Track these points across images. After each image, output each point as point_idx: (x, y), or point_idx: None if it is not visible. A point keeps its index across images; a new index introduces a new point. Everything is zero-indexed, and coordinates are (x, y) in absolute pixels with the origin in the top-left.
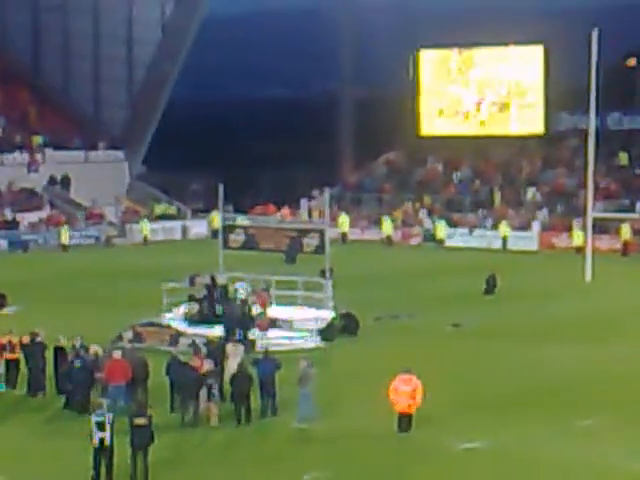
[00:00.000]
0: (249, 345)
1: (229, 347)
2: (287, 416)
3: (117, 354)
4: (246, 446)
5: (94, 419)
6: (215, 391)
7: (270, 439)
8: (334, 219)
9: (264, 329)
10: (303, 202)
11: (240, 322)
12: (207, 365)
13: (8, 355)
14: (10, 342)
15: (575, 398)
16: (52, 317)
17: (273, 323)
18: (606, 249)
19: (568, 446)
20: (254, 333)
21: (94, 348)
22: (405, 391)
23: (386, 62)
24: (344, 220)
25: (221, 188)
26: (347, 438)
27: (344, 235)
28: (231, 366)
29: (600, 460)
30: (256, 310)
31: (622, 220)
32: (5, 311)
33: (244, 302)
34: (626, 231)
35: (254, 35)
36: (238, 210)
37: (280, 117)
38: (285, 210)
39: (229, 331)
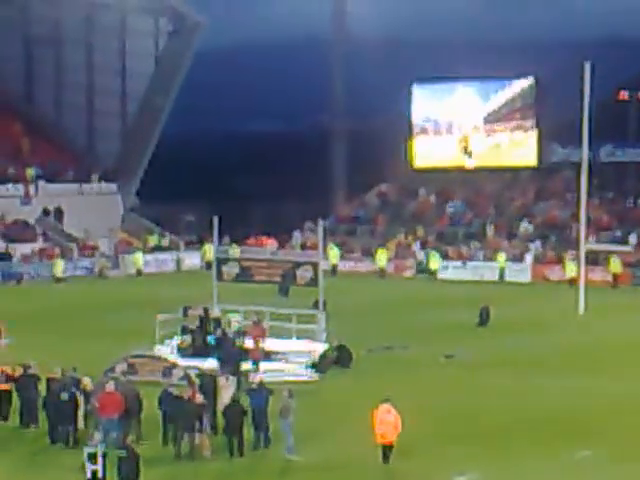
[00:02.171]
0: (242, 377)
1: (221, 379)
2: (279, 448)
3: (110, 386)
4: (238, 478)
5: (86, 451)
6: (205, 423)
7: (262, 471)
8: (324, 251)
9: (258, 361)
10: (296, 234)
11: (233, 354)
12: (199, 397)
13: (0, 386)
14: (3, 373)
15: (570, 430)
16: (45, 349)
17: (267, 355)
18: (599, 281)
19: (565, 478)
20: (248, 365)
21: (84, 381)
22: (390, 421)
23: (378, 94)
24: (334, 252)
25: (216, 220)
26: (337, 469)
27: (334, 267)
28: (224, 398)
29: None
30: (250, 342)
31: (612, 252)
32: None
33: (238, 334)
34: (615, 263)
35: (246, 68)
36: (233, 242)
37: (273, 149)
38: (271, 241)
39: (222, 363)
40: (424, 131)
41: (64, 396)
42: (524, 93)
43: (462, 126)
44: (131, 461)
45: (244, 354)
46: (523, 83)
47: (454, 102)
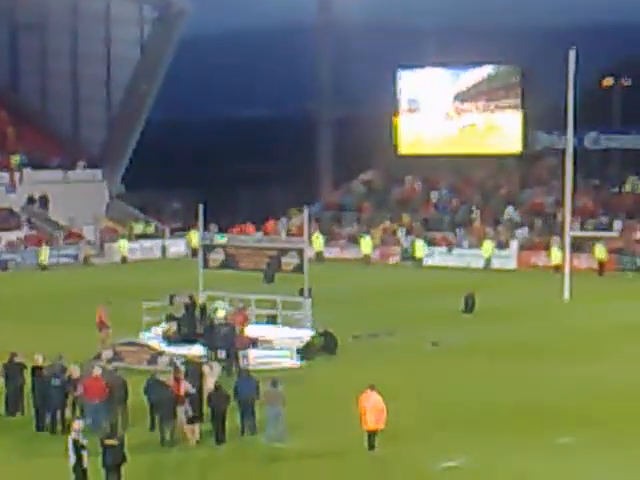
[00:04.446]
0: (231, 364)
1: (206, 367)
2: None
3: (97, 371)
4: (223, 465)
5: (71, 438)
6: (189, 411)
7: (248, 458)
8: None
9: (244, 348)
10: (282, 221)
11: (221, 342)
12: (185, 386)
13: None
14: None
15: (555, 415)
16: (31, 336)
17: (253, 342)
18: (584, 268)
19: (549, 463)
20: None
21: (71, 369)
22: (378, 407)
23: (364, 81)
24: (318, 239)
25: (201, 208)
26: (323, 457)
27: (319, 254)
28: (209, 385)
29: (581, 477)
30: (235, 329)
31: (597, 239)
32: None
33: (225, 321)
34: (600, 250)
35: (232, 55)
36: (220, 230)
37: (259, 136)
38: (269, 224)
39: (210, 350)
40: (410, 111)
41: (55, 382)
42: (508, 78)
43: (446, 108)
44: (118, 450)
45: (231, 341)
46: (507, 69)
47: (439, 86)
